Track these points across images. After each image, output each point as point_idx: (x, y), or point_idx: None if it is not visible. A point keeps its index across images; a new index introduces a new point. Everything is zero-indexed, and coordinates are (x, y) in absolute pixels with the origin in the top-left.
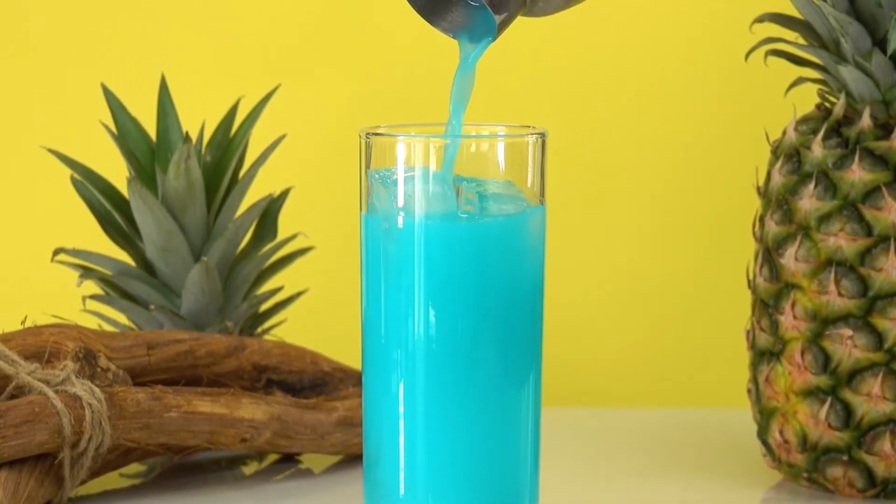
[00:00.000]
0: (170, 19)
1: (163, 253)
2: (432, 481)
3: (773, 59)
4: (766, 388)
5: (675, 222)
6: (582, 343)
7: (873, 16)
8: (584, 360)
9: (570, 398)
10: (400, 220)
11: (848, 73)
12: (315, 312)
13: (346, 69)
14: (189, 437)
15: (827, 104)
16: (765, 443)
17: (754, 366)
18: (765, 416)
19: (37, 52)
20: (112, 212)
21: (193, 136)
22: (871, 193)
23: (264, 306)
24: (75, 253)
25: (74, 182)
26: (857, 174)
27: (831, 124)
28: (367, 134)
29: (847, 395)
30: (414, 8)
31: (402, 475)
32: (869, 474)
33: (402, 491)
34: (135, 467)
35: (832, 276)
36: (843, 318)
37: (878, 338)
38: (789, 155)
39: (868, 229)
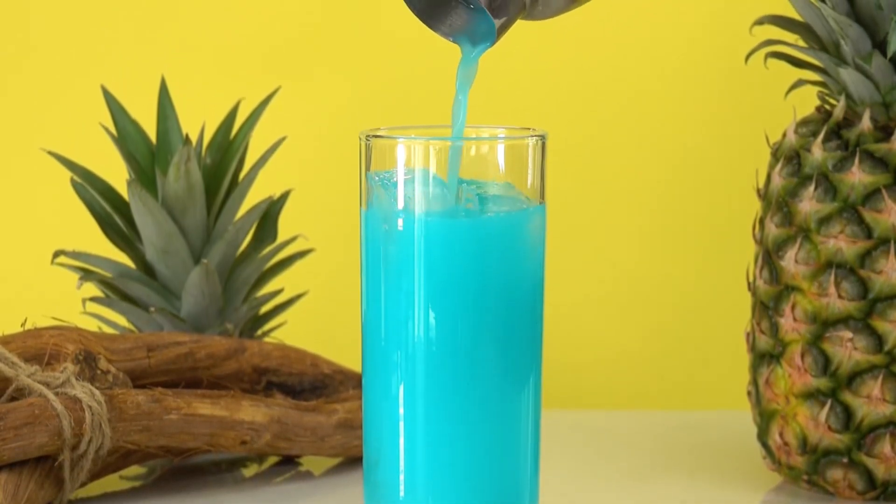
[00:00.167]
0: (170, 21)
1: (163, 255)
2: (432, 483)
3: (773, 62)
4: (766, 391)
5: (674, 224)
6: (582, 345)
7: (873, 18)
8: (584, 362)
9: (569, 400)
10: (400, 221)
11: (848, 75)
12: (315, 315)
13: (346, 71)
14: (189, 439)
15: (827, 106)
16: (765, 445)
17: (754, 368)
18: (765, 418)
19: (37, 55)
20: (112, 214)
21: (193, 139)
22: (871, 196)
23: (264, 308)
24: (75, 255)
25: (74, 184)
26: (857, 176)
27: (831, 126)
28: (367, 136)
29: (847, 397)
30: (413, 12)
31: (402, 477)
32: (869, 476)
33: (402, 493)
34: (135, 469)
35: (832, 278)
36: (843, 321)
37: (878, 340)
38: (789, 157)
39: (868, 231)
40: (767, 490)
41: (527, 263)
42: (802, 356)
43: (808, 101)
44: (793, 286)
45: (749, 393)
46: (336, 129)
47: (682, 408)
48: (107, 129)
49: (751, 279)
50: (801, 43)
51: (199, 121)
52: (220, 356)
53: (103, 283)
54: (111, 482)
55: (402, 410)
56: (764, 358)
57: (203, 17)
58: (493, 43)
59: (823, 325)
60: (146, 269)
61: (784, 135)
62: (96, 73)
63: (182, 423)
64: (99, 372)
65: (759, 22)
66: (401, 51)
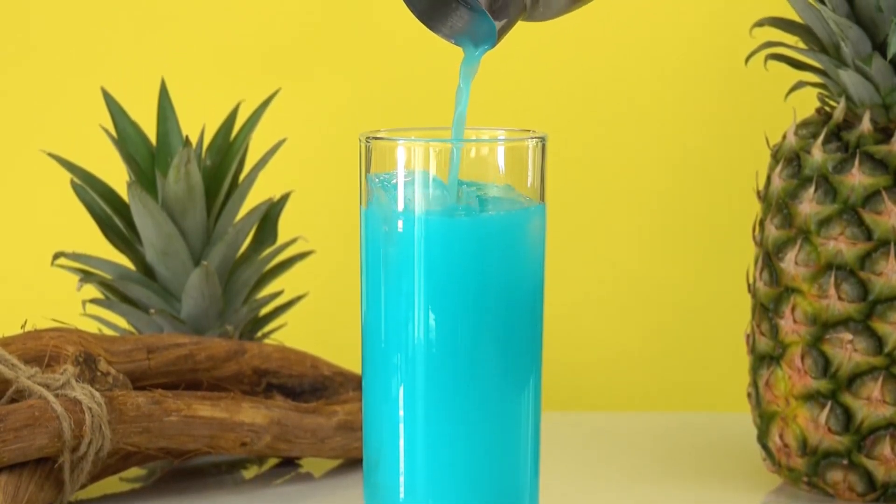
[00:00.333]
0: (170, 23)
1: (163, 257)
2: (432, 485)
3: (773, 63)
4: (766, 392)
5: (675, 226)
6: (582, 346)
7: (873, 20)
8: (584, 363)
9: (569, 402)
10: (400, 223)
11: (848, 77)
12: (315, 316)
13: (346, 73)
14: (189, 441)
15: (827, 108)
16: (765, 447)
17: (754, 370)
18: (765, 420)
19: (37, 56)
20: (112, 216)
21: (193, 140)
22: (871, 197)
23: (264, 310)
24: (75, 257)
25: (74, 186)
26: (857, 178)
27: (831, 128)
28: (367, 138)
29: (847, 399)
30: (414, 13)
31: (402, 479)
32: (869, 478)
33: (402, 494)
34: (135, 471)
35: (832, 280)
36: (843, 323)
37: (878, 342)
38: (789, 159)
39: (868, 233)
40: (767, 492)
41: (527, 264)
42: (802, 358)
43: (808, 103)
44: (793, 288)
45: (749, 395)
46: (336, 131)
47: (681, 409)
48: (107, 131)
49: (751, 281)
50: (801, 45)
51: (199, 122)
52: (220, 358)
53: (103, 284)
54: (111, 484)
55: (402, 412)
56: (764, 360)
57: (203, 18)
58: (494, 45)
59: (823, 326)
60: (146, 270)
61: (784, 136)
62: (96, 74)
63: (182, 425)
64: (99, 374)
65: (759, 24)
66: (401, 52)
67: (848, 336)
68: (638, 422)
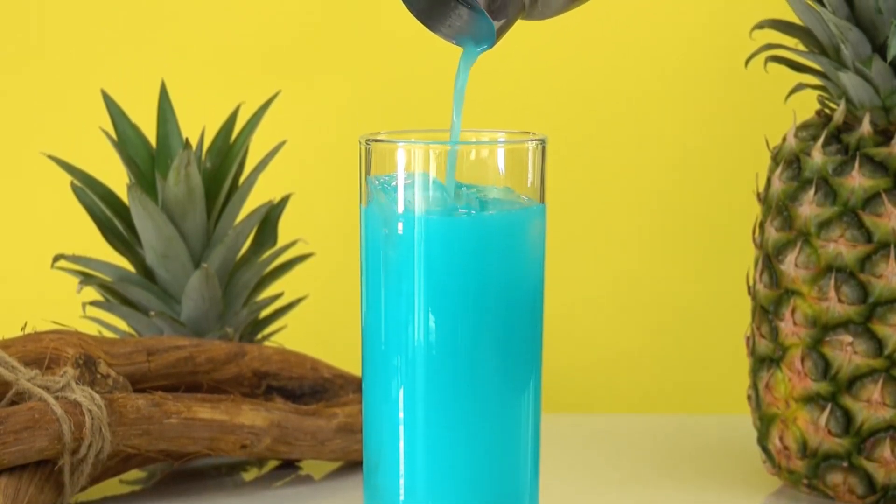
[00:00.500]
0: (170, 25)
1: (163, 259)
2: (432, 487)
3: (773, 66)
4: (766, 395)
5: (674, 228)
6: (582, 348)
7: (873, 22)
8: (584, 366)
9: (569, 404)
10: (400, 225)
11: (848, 79)
12: (315, 319)
13: (346, 75)
14: (189, 443)
15: (827, 110)
16: (765, 449)
17: (754, 372)
18: (765, 422)
19: (37, 58)
20: (112, 218)
21: (193, 143)
22: (871, 200)
23: (264, 312)
24: (75, 259)
25: (74, 188)
26: (857, 180)
27: (831, 130)
28: (367, 140)
29: (847, 401)
30: (412, 13)
31: (402, 481)
32: (869, 481)
33: (402, 496)
34: (135, 473)
35: (832, 282)
36: (843, 325)
37: (878, 344)
38: (789, 161)
39: (868, 235)
40: (767, 494)
41: (526, 264)
42: (802, 360)
43: (808, 105)
44: (793, 290)
45: (749, 397)
46: (336, 134)
47: (681, 411)
48: (107, 133)
49: (751, 283)
50: (801, 47)
51: (199, 125)
52: (220, 360)
53: (103, 287)
54: (111, 486)
55: (402, 414)
56: (764, 362)
57: (203, 21)
58: (493, 44)
59: (823, 329)
60: (146, 273)
61: (784, 139)
62: (96, 77)
63: (182, 428)
64: (99, 376)
65: (759, 26)
66: (400, 54)
67: (848, 338)
68: (638, 424)
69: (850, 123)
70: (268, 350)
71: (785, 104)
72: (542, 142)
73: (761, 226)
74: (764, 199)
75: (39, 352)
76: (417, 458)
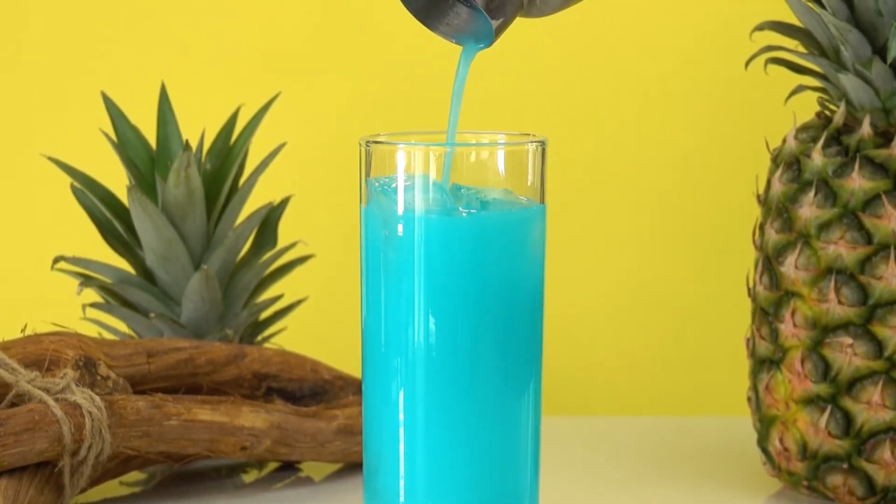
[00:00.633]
0: (170, 27)
1: (163, 261)
2: (432, 489)
3: (773, 68)
4: (766, 396)
5: (674, 230)
6: (582, 351)
7: (873, 24)
8: (584, 369)
9: (569, 406)
10: (400, 227)
11: (848, 81)
12: (315, 320)
13: (346, 77)
14: (189, 445)
15: (827, 112)
16: (765, 451)
17: (754, 374)
18: (765, 424)
19: (37, 60)
20: (112, 220)
21: (193, 145)
22: (871, 201)
23: (264, 314)
24: (75, 261)
25: (74, 190)
26: (857, 182)
27: (831, 132)
28: (367, 142)
29: (847, 403)
30: (411, 12)
31: (402, 483)
32: (869, 482)
33: (402, 498)
34: (135, 475)
35: (832, 284)
36: (843, 327)
37: (878, 346)
38: (789, 163)
39: (868, 237)
40: (767, 496)
41: (526, 264)
42: (802, 362)
43: (808, 107)
44: (793, 292)
45: (749, 399)
46: (336, 135)
47: (681, 413)
48: (107, 135)
49: (751, 285)
50: (801, 49)
51: (199, 126)
52: (220, 362)
53: (103, 288)
54: (111, 488)
55: (402, 416)
56: (764, 364)
57: (203, 22)
58: (491, 42)
59: (823, 330)
60: (146, 274)
61: (784, 140)
62: (96, 78)
63: (182, 429)
64: (99, 378)
65: (759, 28)
66: (400, 56)
67: (848, 340)
68: (638, 426)
69: (850, 125)
70: (268, 352)
71: (785, 106)
72: (542, 144)
73: (761, 227)
74: (764, 200)
75: (39, 353)
76: (417, 459)
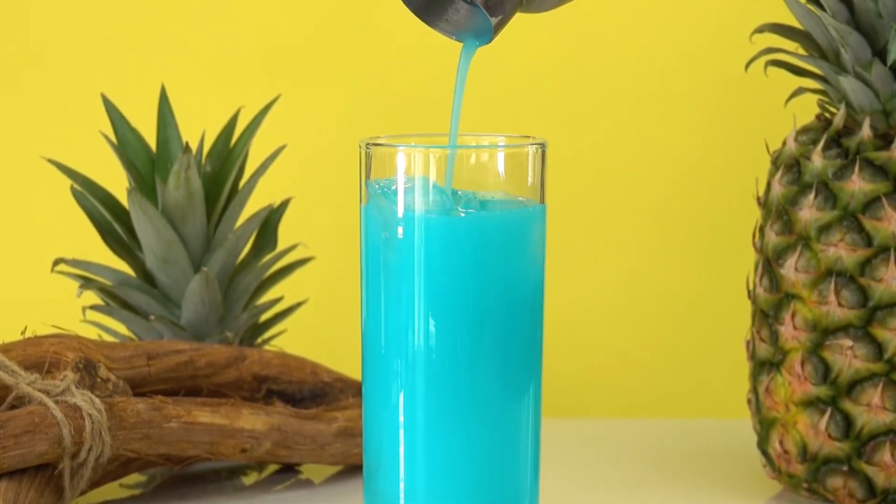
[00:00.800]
0: (170, 30)
1: (163, 263)
2: (432, 491)
3: (773, 70)
4: (766, 399)
5: (674, 232)
6: (581, 353)
7: (873, 26)
8: (584, 371)
9: (569, 409)
10: (400, 229)
11: (848, 83)
12: (315, 322)
13: (346, 79)
14: (189, 447)
15: (827, 114)
16: (765, 453)
17: (754, 376)
18: (765, 426)
19: (37, 62)
20: (112, 222)
21: (193, 147)
22: (871, 204)
23: (264, 317)
24: (75, 263)
25: (74, 192)
26: (857, 184)
27: (831, 135)
28: (367, 144)
29: (847, 405)
30: (410, 9)
31: (402, 485)
32: (869, 485)
33: (402, 500)
34: (135, 477)
35: (832, 286)
36: (843, 329)
37: (878, 348)
38: (789, 165)
39: (868, 240)
40: (767, 498)
41: (526, 265)
42: (802, 364)
43: (808, 109)
44: (793, 294)
45: (749, 401)
46: (336, 138)
47: (681, 416)
48: (107, 137)
49: (751, 287)
50: (801, 51)
51: (199, 129)
52: (220, 364)
53: (103, 291)
54: (111, 490)
55: (401, 418)
56: (764, 366)
57: (203, 25)
58: (490, 39)
59: (823, 333)
60: (146, 277)
61: (784, 143)
62: (96, 81)
63: (182, 432)
64: (99, 380)
65: (760, 30)
66: (400, 59)
67: (848, 342)
68: (638, 428)
69: (850, 127)
70: (268, 354)
71: (785, 108)
72: (542, 146)
73: (761, 230)
74: (764, 203)
75: (39, 356)
76: (417, 461)
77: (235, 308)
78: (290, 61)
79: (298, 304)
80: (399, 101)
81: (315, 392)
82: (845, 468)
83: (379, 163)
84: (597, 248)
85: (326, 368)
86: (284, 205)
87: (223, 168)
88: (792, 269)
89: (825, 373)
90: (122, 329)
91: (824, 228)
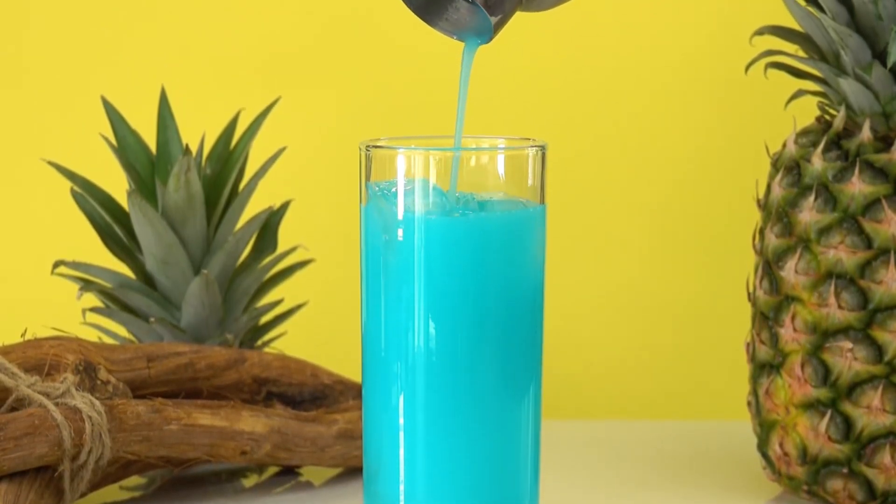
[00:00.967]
0: (170, 32)
1: (163, 265)
2: (432, 493)
3: (773, 72)
4: (766, 401)
5: (675, 235)
6: (582, 356)
7: (873, 28)
8: (584, 373)
9: (569, 411)
10: (400, 231)
11: (848, 85)
12: (315, 325)
13: (346, 82)
14: (189, 449)
15: (827, 117)
16: (765, 455)
17: (754, 378)
18: (765, 428)
19: (37, 65)
20: (112, 224)
21: (193, 149)
22: (871, 206)
23: (264, 319)
24: (75, 265)
25: (74, 194)
26: (857, 187)
27: (831, 137)
28: (367, 146)
29: (847, 407)
30: (410, 8)
31: (402, 488)
32: (869, 487)
33: (402, 503)
34: (135, 480)
35: (832, 288)
36: (843, 331)
37: (878, 350)
38: (789, 167)
39: (868, 242)
40: (767, 500)
41: (526, 265)
42: (802, 366)
43: (808, 112)
44: (793, 296)
45: (749, 403)
46: (336, 140)
47: (681, 418)
48: (107, 140)
49: (751, 289)
50: (801, 53)
51: (199, 131)
52: (220, 367)
53: (103, 293)
54: (111, 492)
55: (402, 420)
56: (764, 368)
57: (203, 27)
58: (490, 38)
59: (823, 335)
60: (146, 279)
61: (784, 145)
62: (96, 83)
63: (182, 434)
64: (99, 382)
65: (760, 32)
66: (400, 61)
67: (848, 344)
68: (638, 430)
69: (850, 130)
70: (268, 356)
71: (785, 110)
72: (542, 148)
73: (761, 232)
74: (764, 205)
75: (39, 358)
76: (417, 464)
77: (235, 310)
78: (290, 63)
79: (298, 307)
80: (399, 103)
81: (315, 394)
82: (845, 470)
83: (379, 165)
84: (597, 250)
85: (326, 371)
86: (284, 207)
87: (223, 170)
88: (792, 272)
89: (825, 375)
90: (122, 331)
91: (824, 231)
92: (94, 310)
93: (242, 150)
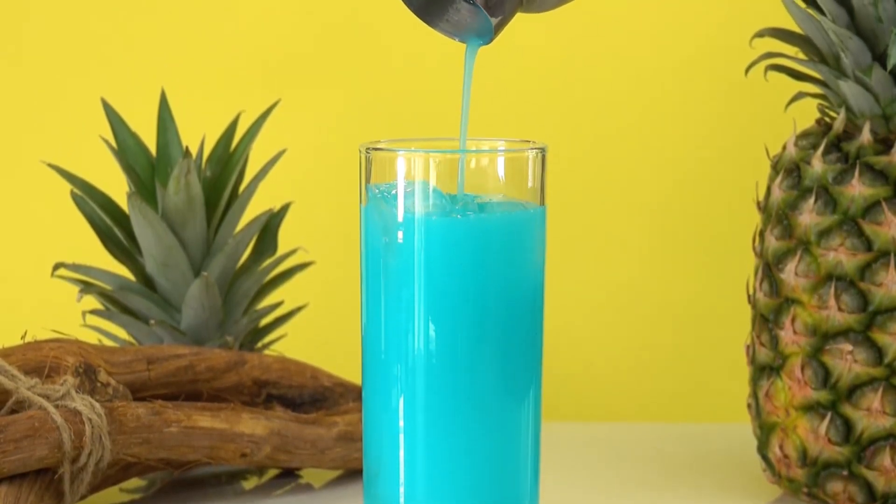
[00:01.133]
0: (170, 34)
1: (163, 268)
2: (433, 494)
3: (773, 74)
4: (766, 403)
5: (675, 237)
6: (582, 358)
7: (873, 31)
8: (584, 375)
9: (569, 413)
10: (400, 234)
11: (848, 87)
12: (315, 327)
13: (346, 84)
14: (189, 451)
15: (827, 119)
16: (765, 458)
17: (754, 381)
18: (765, 430)
19: (36, 66)
20: (112, 226)
21: (193, 151)
22: (871, 208)
23: (264, 321)
24: (75, 268)
25: (74, 197)
26: (857, 189)
27: (831, 139)
28: (367, 149)
29: (847, 409)
30: (411, 9)
31: (402, 490)
32: (869, 489)
33: None
34: (135, 482)
35: (832, 290)
36: (843, 333)
37: (878, 353)
38: (789, 170)
39: (868, 244)
40: (767, 503)
41: (526, 266)
42: (802, 369)
43: (808, 114)
44: (793, 299)
45: (749, 405)
46: (336, 142)
47: (681, 420)
48: (107, 142)
49: (751, 292)
50: (802, 55)
51: (199, 133)
52: (220, 369)
53: (103, 295)
54: (111, 495)
55: (402, 422)
56: (764, 370)
57: (203, 29)
58: (491, 39)
59: (823, 337)
60: (146, 281)
61: (784, 147)
62: (96, 85)
63: (182, 436)
64: (99, 384)
65: (760, 34)
66: (400, 63)
67: (848, 347)
68: (638, 432)
69: (850, 132)
70: (268, 359)
71: (785, 113)
72: (542, 150)
73: (761, 234)
74: (764, 207)
75: (39, 360)
76: (418, 465)
77: (235, 312)
78: (290, 65)
79: (298, 309)
80: (399, 105)
81: (315, 396)
82: (845, 473)
83: (379, 167)
84: (597, 252)
85: (326, 373)
86: (284, 209)
87: (223, 172)
88: (792, 274)
89: (825, 377)
90: (122, 333)
91: (824, 233)
92: (94, 312)
93: (242, 152)
